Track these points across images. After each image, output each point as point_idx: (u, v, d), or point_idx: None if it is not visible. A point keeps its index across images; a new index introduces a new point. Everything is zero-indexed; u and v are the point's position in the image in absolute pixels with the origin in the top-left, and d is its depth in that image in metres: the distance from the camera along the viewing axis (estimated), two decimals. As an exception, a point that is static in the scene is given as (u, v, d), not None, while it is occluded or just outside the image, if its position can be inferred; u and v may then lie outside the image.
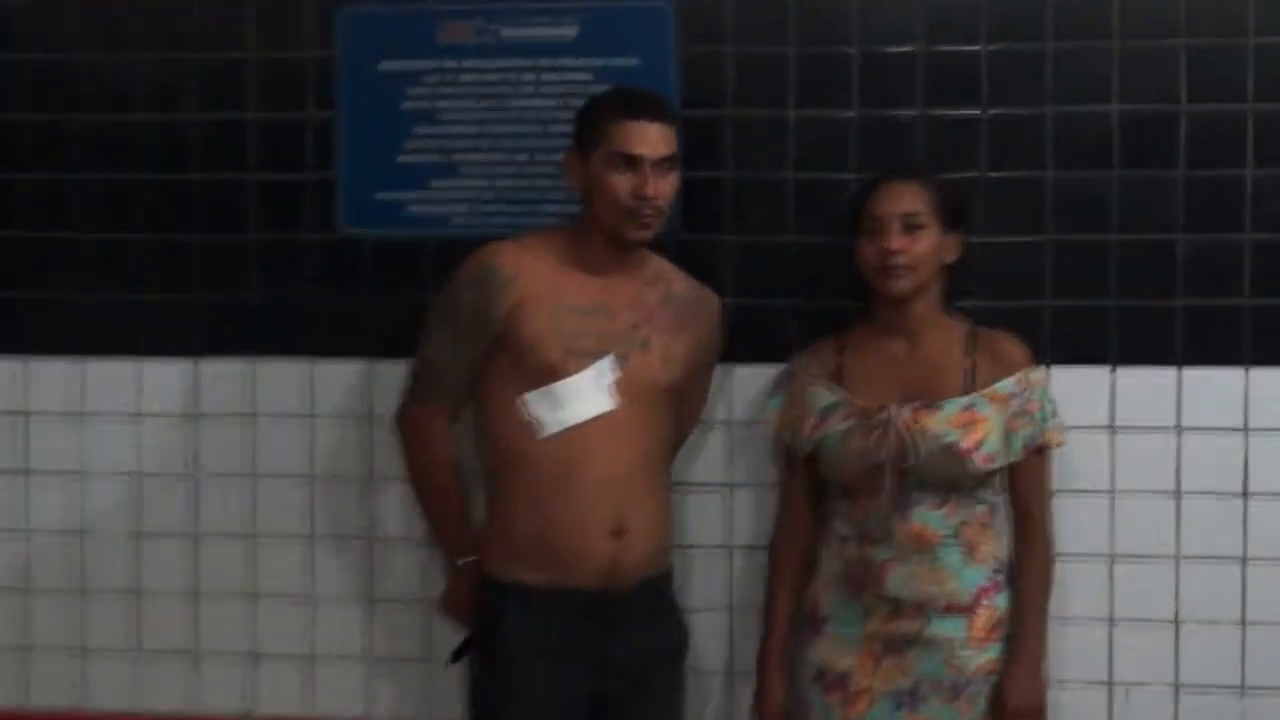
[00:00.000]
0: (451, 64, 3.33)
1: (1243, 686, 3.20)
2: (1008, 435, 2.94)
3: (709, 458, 3.30)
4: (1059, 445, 3.02)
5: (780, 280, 3.27)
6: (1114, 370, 3.21)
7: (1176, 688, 3.21)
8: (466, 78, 3.33)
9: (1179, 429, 3.20)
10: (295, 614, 3.40)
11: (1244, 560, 3.19)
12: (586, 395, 2.92)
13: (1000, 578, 2.97)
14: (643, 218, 2.91)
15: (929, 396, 2.95)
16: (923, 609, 2.92)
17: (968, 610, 2.93)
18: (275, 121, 3.38)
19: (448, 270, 3.12)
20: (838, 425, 2.98)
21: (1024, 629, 2.96)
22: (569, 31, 3.31)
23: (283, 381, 3.39)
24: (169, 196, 3.41)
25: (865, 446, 2.93)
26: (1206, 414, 3.19)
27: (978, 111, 3.22)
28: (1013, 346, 3.01)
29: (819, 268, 3.24)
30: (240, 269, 3.39)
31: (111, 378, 3.43)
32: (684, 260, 3.16)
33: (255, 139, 3.39)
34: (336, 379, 3.38)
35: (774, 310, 3.27)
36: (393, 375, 3.29)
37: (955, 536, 2.93)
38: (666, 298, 3.04)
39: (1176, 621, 3.20)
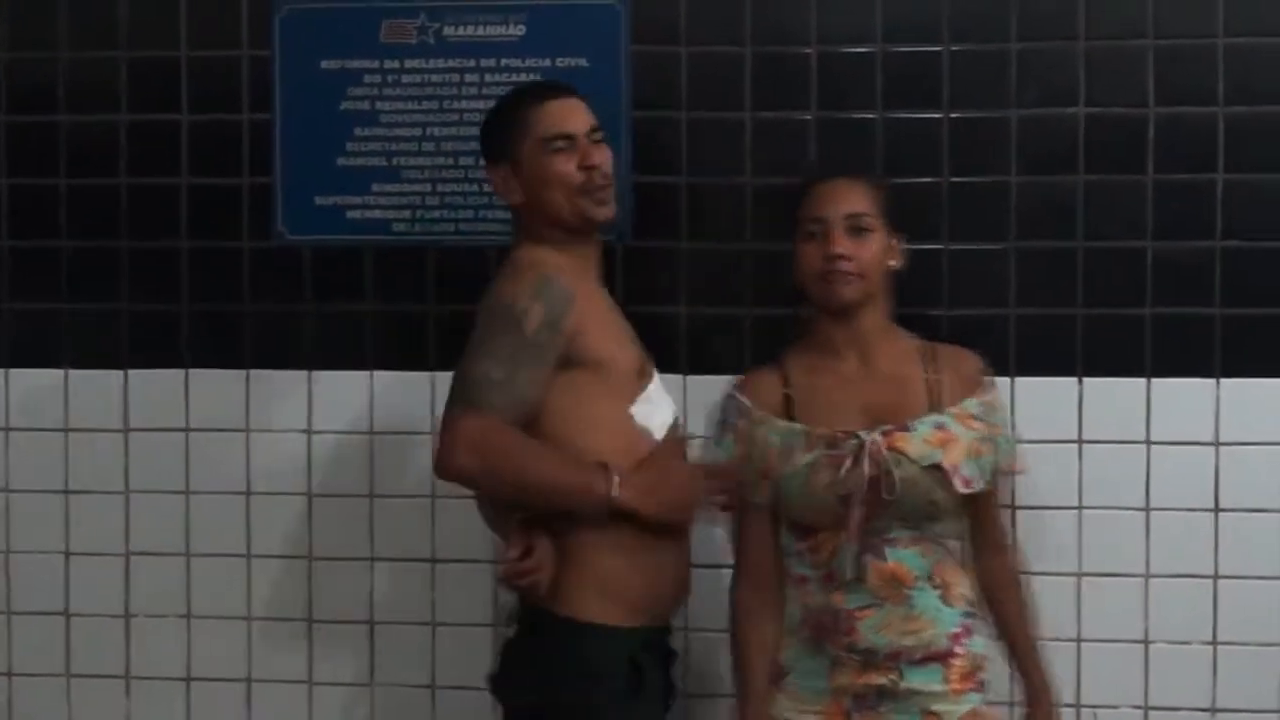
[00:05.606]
0: (393, 64, 3.26)
1: (1213, 709, 3.12)
2: (977, 460, 2.72)
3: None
4: (1022, 472, 2.87)
5: (737, 289, 3.21)
6: (1081, 381, 3.13)
7: (1146, 710, 3.14)
8: (409, 78, 3.27)
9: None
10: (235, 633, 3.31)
11: (1215, 578, 3.12)
12: (664, 396, 2.83)
13: (971, 621, 2.73)
14: (597, 191, 2.77)
15: (895, 417, 2.69)
16: (896, 659, 2.67)
17: (944, 657, 2.69)
18: (210, 123, 3.30)
19: (389, 278, 3.13)
20: (800, 459, 2.70)
21: (1034, 662, 2.79)
22: (516, 31, 3.24)
23: (217, 394, 3.30)
24: (98, 201, 3.32)
25: (835, 479, 2.66)
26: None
27: (939, 114, 3.15)
28: (974, 362, 2.79)
29: (778, 275, 3.13)
30: (172, 278, 3.31)
31: (38, 389, 3.33)
32: (635, 267, 3.11)
33: (189, 141, 3.30)
34: (275, 391, 3.29)
35: (731, 319, 3.19)
36: (333, 387, 3.23)
37: (929, 578, 2.68)
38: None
39: (1146, 641, 3.14)
